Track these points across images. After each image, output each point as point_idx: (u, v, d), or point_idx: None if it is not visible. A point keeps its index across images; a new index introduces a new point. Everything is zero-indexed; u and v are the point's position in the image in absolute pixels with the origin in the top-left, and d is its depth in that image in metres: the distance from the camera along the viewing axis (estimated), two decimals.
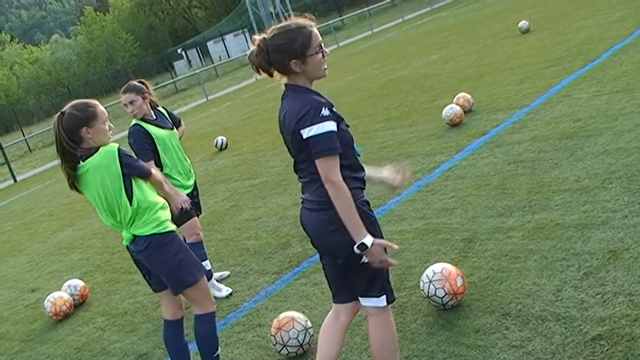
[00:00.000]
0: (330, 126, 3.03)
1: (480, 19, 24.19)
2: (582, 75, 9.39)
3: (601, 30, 12.57)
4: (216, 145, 13.93)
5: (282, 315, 4.44)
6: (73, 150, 3.87)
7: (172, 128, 5.82)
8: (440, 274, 4.27)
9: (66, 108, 3.95)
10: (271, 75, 3.23)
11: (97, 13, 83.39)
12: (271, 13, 57.57)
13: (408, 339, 4.13)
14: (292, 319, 4.36)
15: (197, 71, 40.15)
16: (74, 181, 3.95)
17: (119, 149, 3.90)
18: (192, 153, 13.63)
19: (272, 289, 5.62)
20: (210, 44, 61.35)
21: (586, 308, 3.79)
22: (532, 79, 10.22)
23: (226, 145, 13.86)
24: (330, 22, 45.08)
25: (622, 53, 9.91)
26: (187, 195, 5.67)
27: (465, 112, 9.13)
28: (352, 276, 3.32)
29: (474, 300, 4.31)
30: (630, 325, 3.50)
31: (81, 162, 3.88)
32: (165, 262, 4.02)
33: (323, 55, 3.18)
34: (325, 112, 3.04)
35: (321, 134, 3.01)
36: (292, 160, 3.31)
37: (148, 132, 5.50)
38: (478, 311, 4.17)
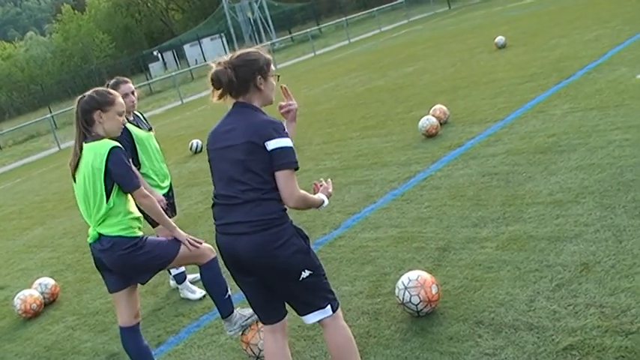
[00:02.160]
0: (291, 142, 3.20)
1: (456, 33, 24.44)
2: (557, 92, 9.54)
3: (576, 48, 12.78)
4: (191, 148, 13.88)
5: (248, 330, 4.39)
6: (86, 132, 4.00)
7: (150, 130, 5.82)
8: (415, 282, 4.31)
9: (88, 92, 4.12)
10: (221, 97, 3.35)
11: (75, 11, 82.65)
12: (249, 18, 57.65)
13: (381, 345, 4.16)
14: (257, 330, 4.35)
15: (172, 74, 40.02)
16: (78, 163, 4.01)
17: (112, 150, 3.93)
18: (167, 155, 13.50)
19: (241, 295, 5.60)
20: (186, 47, 61.10)
21: (558, 319, 3.86)
22: (507, 94, 10.36)
23: (201, 148, 13.80)
24: (308, 30, 45.26)
25: (596, 72, 10.08)
26: (163, 196, 5.66)
27: (440, 123, 9.21)
28: (294, 295, 3.35)
29: (447, 308, 4.36)
30: (601, 336, 3.56)
31: (84, 143, 3.99)
32: (132, 263, 4.04)
33: (276, 81, 3.43)
34: (286, 129, 3.25)
35: (288, 147, 3.16)
36: (221, 175, 3.31)
37: (129, 130, 5.49)
38: (452, 319, 4.21)
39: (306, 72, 26.63)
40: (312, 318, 3.39)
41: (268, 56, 3.42)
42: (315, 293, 3.33)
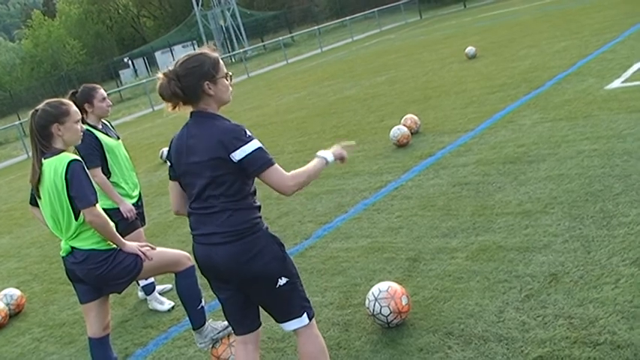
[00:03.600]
0: (258, 142, 3.13)
1: (427, 43, 24.61)
2: (526, 102, 9.63)
3: (545, 59, 12.93)
4: (161, 157, 13.76)
5: (218, 344, 4.35)
6: (43, 147, 3.89)
7: (118, 139, 5.76)
8: (386, 293, 4.29)
9: (40, 105, 3.98)
10: (175, 107, 3.25)
11: (45, 17, 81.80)
12: (221, 26, 57.53)
13: (352, 356, 4.14)
14: (228, 344, 4.30)
15: (143, 81, 39.72)
16: (40, 178, 3.91)
17: (70, 164, 3.83)
18: (137, 163, 13.44)
19: (216, 304, 5.54)
20: (158, 54, 60.77)
21: (527, 330, 3.87)
22: (477, 104, 10.43)
23: None
24: (280, 38, 45.23)
25: (565, 82, 10.20)
26: (132, 205, 5.59)
27: (412, 133, 9.24)
28: (270, 303, 3.33)
29: (417, 319, 4.35)
30: (570, 347, 3.58)
31: (43, 159, 3.88)
32: (106, 275, 3.99)
33: (229, 80, 3.29)
34: (249, 132, 3.14)
35: (256, 150, 3.09)
36: (192, 188, 3.25)
37: (98, 138, 5.42)
38: (422, 330, 4.21)
39: (278, 80, 26.60)
40: (290, 326, 3.38)
41: (214, 56, 3.26)
42: (292, 301, 3.32)
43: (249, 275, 3.19)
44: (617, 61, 10.78)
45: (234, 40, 56.91)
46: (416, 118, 9.70)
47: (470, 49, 16.32)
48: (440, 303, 4.48)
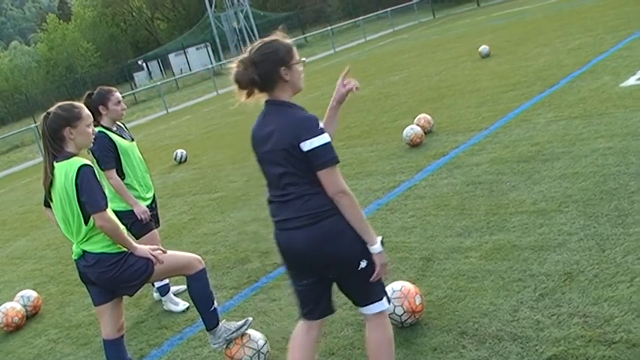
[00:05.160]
0: (328, 137, 3.11)
1: (441, 42, 24.54)
2: (540, 100, 9.58)
3: (560, 57, 12.86)
4: (175, 158, 13.82)
5: (232, 344, 4.36)
6: (55, 151, 3.91)
7: (132, 140, 5.79)
8: (399, 292, 4.29)
9: (52, 108, 3.98)
10: (249, 95, 3.26)
11: (60, 21, 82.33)
12: (234, 28, 57.65)
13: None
14: (242, 345, 4.32)
15: (157, 83, 39.87)
16: (52, 182, 3.94)
17: (80, 169, 3.85)
18: (151, 165, 13.47)
19: (230, 305, 5.58)
20: (171, 56, 60.98)
21: (542, 329, 3.85)
22: (491, 103, 10.39)
23: (186, 158, 13.76)
24: (293, 39, 44.97)
25: (580, 80, 10.14)
26: (146, 207, 5.62)
27: (425, 133, 9.22)
28: (352, 286, 3.33)
29: (431, 318, 4.35)
30: (585, 346, 3.56)
31: (55, 163, 3.90)
32: (117, 277, 4.02)
33: (302, 66, 3.29)
34: (321, 124, 3.14)
35: (323, 145, 3.07)
36: (270, 177, 3.27)
37: (113, 140, 5.45)
38: (436, 330, 4.20)
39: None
40: (372, 309, 3.37)
41: (288, 42, 3.27)
42: (373, 284, 3.29)
43: (331, 258, 3.20)
44: (632, 58, 10.70)
45: (248, 42, 56.98)
46: (429, 117, 9.68)
47: (483, 48, 16.26)
48: (454, 302, 4.47)
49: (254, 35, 56.76)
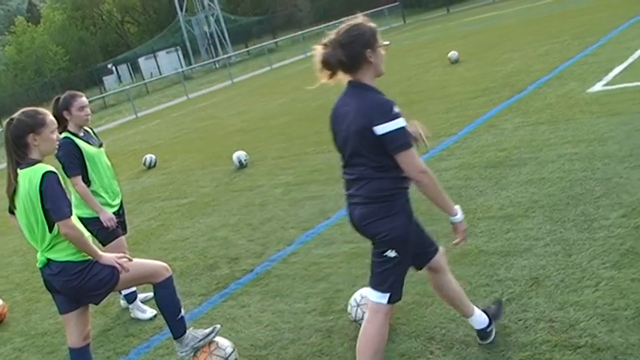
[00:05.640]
0: (403, 122, 3.24)
1: (411, 47, 24.69)
2: (509, 106, 9.67)
3: (528, 63, 13.00)
4: (144, 163, 13.70)
5: (199, 352, 4.33)
6: (18, 158, 3.84)
7: (100, 146, 5.71)
8: (367, 299, 4.28)
9: (16, 114, 3.92)
10: (332, 76, 3.43)
11: (29, 24, 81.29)
12: (205, 32, 57.44)
13: None
14: (209, 353, 4.28)
15: (127, 87, 39.57)
16: (15, 189, 3.88)
17: (45, 176, 3.78)
18: (120, 170, 13.36)
19: (198, 312, 5.54)
20: (141, 60, 60.54)
21: (508, 334, 3.87)
22: (460, 109, 10.47)
23: (155, 163, 13.65)
24: (265, 43, 45.28)
25: (547, 86, 10.26)
26: (113, 214, 5.55)
27: None
28: (375, 265, 3.50)
29: (399, 324, 4.35)
30: (550, 351, 3.59)
31: (19, 170, 3.84)
32: (82, 286, 3.96)
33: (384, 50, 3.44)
34: (396, 109, 3.24)
35: (397, 129, 3.20)
36: (342, 154, 3.49)
37: (78, 146, 5.38)
38: (404, 335, 4.21)
39: (262, 86, 26.58)
40: (371, 294, 3.53)
41: (373, 26, 3.41)
42: (388, 275, 3.44)
43: (372, 236, 3.44)
44: (598, 65, 10.86)
45: (219, 46, 56.83)
46: None
47: (453, 54, 16.38)
48: (422, 308, 4.49)
49: (225, 39, 56.64)
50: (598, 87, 9.31)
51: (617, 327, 3.65)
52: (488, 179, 6.68)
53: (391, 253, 3.37)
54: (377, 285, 3.48)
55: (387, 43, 3.44)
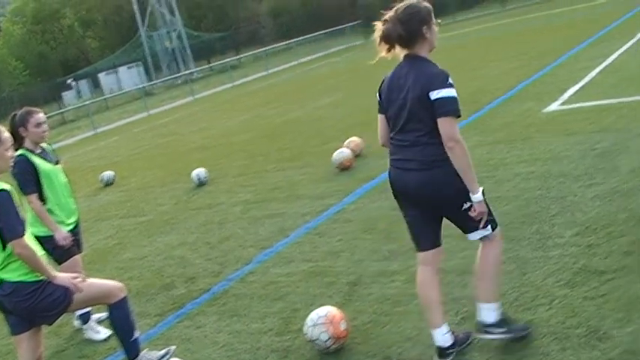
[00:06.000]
0: (455, 92, 3.57)
1: (372, 65, 24.81)
2: (468, 124, 9.78)
3: (489, 81, 13.22)
4: (102, 181, 13.50)
5: None
6: None
7: (57, 163, 5.62)
8: (324, 318, 4.28)
9: None
10: (390, 50, 3.76)
11: None
12: (167, 47, 57.14)
13: None
14: None
15: (86, 102, 39.13)
16: None
17: None
18: (77, 188, 13.15)
19: (153, 332, 5.46)
20: (102, 75, 59.90)
21: (463, 352, 3.89)
22: None
23: (113, 180, 13.47)
24: (227, 60, 45.19)
25: (505, 105, 10.43)
26: (69, 232, 5.46)
27: (355, 156, 9.29)
28: (458, 219, 3.78)
29: (356, 344, 4.34)
30: None
31: None
32: (35, 307, 3.88)
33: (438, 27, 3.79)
34: (451, 80, 3.58)
35: (449, 97, 3.53)
36: (396, 120, 3.75)
37: (34, 164, 5.28)
38: (360, 355, 4.20)
39: (224, 102, 26.52)
40: (474, 236, 3.81)
41: (428, 5, 3.72)
42: (475, 219, 3.68)
43: (437, 199, 3.70)
44: (555, 85, 11.06)
45: (181, 62, 56.57)
46: (359, 140, 9.77)
47: None
48: (378, 327, 4.49)
49: (187, 55, 56.43)
50: (554, 106, 9.48)
51: (569, 345, 3.69)
52: None
53: (467, 205, 3.65)
54: (472, 229, 3.77)
55: (439, 20, 3.79)
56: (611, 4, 25.04)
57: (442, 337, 3.82)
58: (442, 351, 3.81)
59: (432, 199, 3.72)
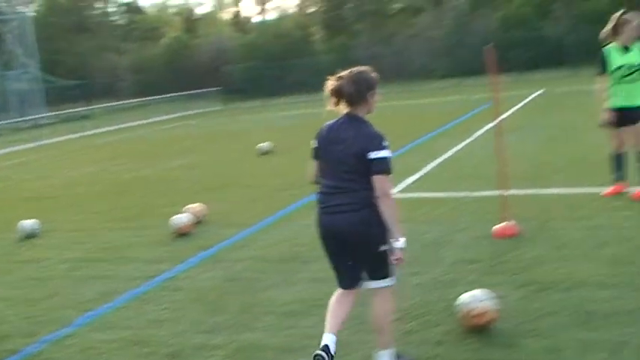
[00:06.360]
0: (390, 153, 4.18)
1: (227, 133, 25.07)
2: (310, 202, 9.98)
3: None
4: None
5: None
6: None
7: None
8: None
9: None
10: (337, 105, 4.28)
11: None
12: (18, 89, 54.78)
13: None
14: None
15: None
16: None
17: None
18: None
19: None
20: None
21: None
22: (264, 200, 10.69)
23: None
24: (80, 109, 43.83)
25: None
26: None
27: (195, 222, 9.22)
28: (371, 261, 4.32)
29: None
30: None
31: None
32: None
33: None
34: (385, 142, 4.17)
35: (385, 158, 4.14)
36: (332, 170, 4.27)
37: None
38: None
39: (72, 152, 25.60)
40: (376, 284, 4.38)
41: (376, 75, 4.33)
42: (384, 265, 4.30)
43: (363, 237, 4.22)
44: (395, 172, 11.51)
45: (32, 105, 54.17)
46: (203, 207, 9.72)
47: (265, 145, 16.81)
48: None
49: (39, 99, 54.25)
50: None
51: None
52: (280, 273, 6.80)
53: (384, 247, 4.21)
54: (380, 275, 4.34)
55: (381, 91, 4.35)
56: (457, 103, 26.85)
57: (331, 341, 4.39)
58: (327, 349, 4.34)
59: (359, 236, 4.23)
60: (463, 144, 14.59)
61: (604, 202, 8.28)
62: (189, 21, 79.44)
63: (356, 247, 4.28)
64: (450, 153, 13.49)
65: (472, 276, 6.16)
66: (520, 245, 6.90)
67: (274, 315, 5.70)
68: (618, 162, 8.53)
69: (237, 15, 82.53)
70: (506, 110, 19.72)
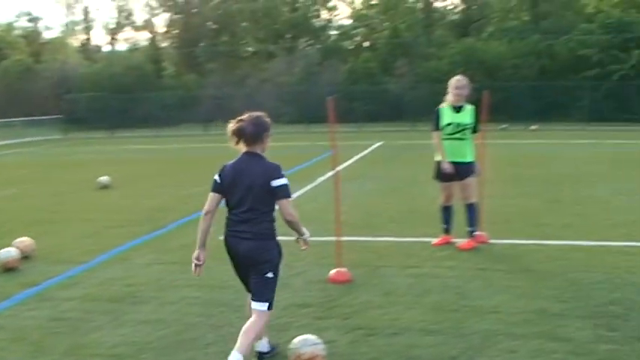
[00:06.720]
0: (287, 180, 4.92)
1: (65, 164, 24.10)
2: (146, 241, 9.81)
3: (175, 201, 13.44)
4: None
5: None
6: None
7: None
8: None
9: None
10: (237, 143, 4.93)
11: None
12: None
13: None
14: None
15: None
16: None
17: None
18: None
19: None
20: None
21: None
22: (98, 236, 10.33)
23: None
24: None
25: (187, 227, 10.64)
26: None
27: (22, 257, 8.74)
28: (257, 283, 4.96)
29: None
30: None
31: None
32: None
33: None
34: (283, 172, 4.92)
35: (286, 184, 4.90)
36: (238, 201, 4.90)
37: None
38: None
39: None
40: (257, 305, 4.93)
41: (269, 120, 5.05)
42: (267, 291, 4.96)
43: (256, 261, 4.92)
44: None
45: None
46: (32, 241, 9.24)
47: (104, 179, 16.30)
48: None
49: None
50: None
51: None
52: (109, 314, 6.59)
53: (270, 274, 4.93)
54: (260, 298, 4.93)
55: (272, 133, 5.07)
56: (302, 148, 27.42)
57: (262, 345, 5.30)
58: (261, 355, 5.31)
59: (255, 261, 4.92)
60: (305, 189, 14.90)
61: (432, 251, 8.76)
62: (35, 44, 76.13)
63: (250, 268, 4.97)
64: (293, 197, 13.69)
65: (305, 320, 6.29)
66: (352, 290, 7.14)
67: (101, 358, 5.51)
68: (447, 214, 9.08)
69: (86, 42, 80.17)
70: (347, 159, 20.44)
